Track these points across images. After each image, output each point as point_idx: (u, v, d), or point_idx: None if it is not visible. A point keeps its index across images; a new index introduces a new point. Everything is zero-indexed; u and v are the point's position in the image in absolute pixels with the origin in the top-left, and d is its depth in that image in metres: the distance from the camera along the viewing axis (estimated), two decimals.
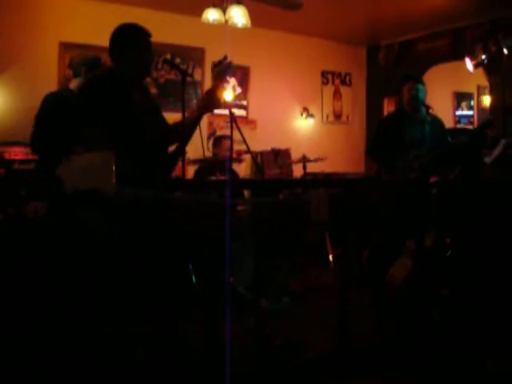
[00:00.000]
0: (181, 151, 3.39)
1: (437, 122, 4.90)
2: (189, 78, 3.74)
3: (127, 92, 3.21)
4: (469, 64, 6.70)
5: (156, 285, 2.95)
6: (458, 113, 10.57)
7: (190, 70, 7.30)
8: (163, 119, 3.49)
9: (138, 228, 2.88)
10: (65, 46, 6.90)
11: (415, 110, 4.83)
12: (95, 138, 3.00)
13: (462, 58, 7.03)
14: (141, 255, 2.87)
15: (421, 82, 4.93)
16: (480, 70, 7.32)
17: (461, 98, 10.55)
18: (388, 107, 9.08)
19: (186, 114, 3.42)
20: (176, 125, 3.42)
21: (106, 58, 6.53)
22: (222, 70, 3.66)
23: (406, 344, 3.59)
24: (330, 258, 5.59)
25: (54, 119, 4.20)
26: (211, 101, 3.42)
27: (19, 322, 3.62)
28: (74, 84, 4.51)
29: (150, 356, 2.93)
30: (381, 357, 3.39)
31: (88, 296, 3.05)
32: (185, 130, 3.33)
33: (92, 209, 2.83)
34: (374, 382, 3.18)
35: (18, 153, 5.77)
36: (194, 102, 3.86)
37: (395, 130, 4.83)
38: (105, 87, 3.16)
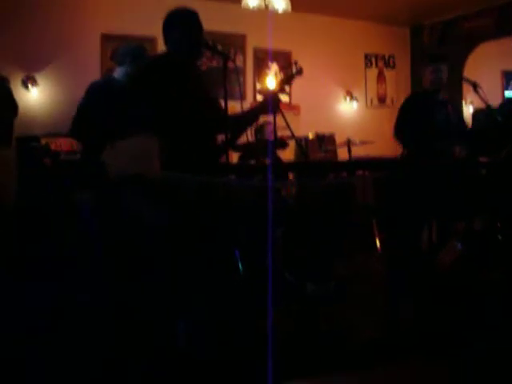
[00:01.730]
0: (230, 143, 3.39)
1: (453, 104, 4.85)
2: (231, 64, 3.71)
3: (180, 75, 3.27)
4: None
5: (203, 270, 2.94)
6: (507, 94, 10.28)
7: (232, 56, 7.29)
8: (216, 104, 3.49)
9: (182, 213, 2.87)
10: (107, 38, 6.96)
11: (437, 92, 4.84)
12: (146, 122, 3.01)
13: (509, 35, 6.85)
14: (186, 240, 2.86)
15: (442, 63, 4.92)
16: None
17: (510, 76, 10.26)
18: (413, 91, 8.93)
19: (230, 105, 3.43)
20: (231, 116, 3.42)
21: (149, 48, 6.59)
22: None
23: (456, 329, 3.51)
24: (377, 243, 5.51)
25: (98, 106, 4.23)
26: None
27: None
28: (118, 73, 4.52)
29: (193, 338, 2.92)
30: (427, 342, 3.32)
31: (137, 279, 3.06)
32: (237, 124, 3.35)
33: (137, 193, 2.83)
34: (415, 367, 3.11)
35: (63, 144, 5.84)
36: (237, 89, 3.86)
37: (421, 111, 4.82)
38: (158, 71, 3.23)
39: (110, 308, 3.31)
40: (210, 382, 2.70)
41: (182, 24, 3.41)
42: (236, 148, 4.94)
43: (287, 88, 8.27)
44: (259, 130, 6.30)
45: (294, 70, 3.73)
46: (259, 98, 8.03)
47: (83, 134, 4.42)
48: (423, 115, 4.80)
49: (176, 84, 3.17)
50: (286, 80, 3.67)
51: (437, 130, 4.74)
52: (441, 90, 4.85)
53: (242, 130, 3.43)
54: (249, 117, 3.43)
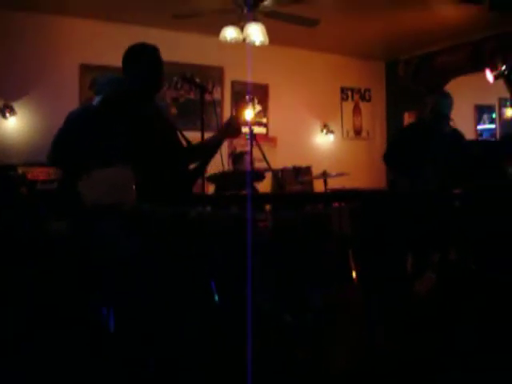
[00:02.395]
0: (200, 170, 3.43)
1: (457, 135, 4.85)
2: (208, 97, 3.77)
3: (140, 107, 3.34)
4: (489, 75, 6.64)
5: (178, 300, 2.94)
6: (480, 127, 10.45)
7: (209, 88, 7.35)
8: (177, 137, 3.52)
9: (156, 243, 2.88)
10: (85, 68, 7.00)
11: (438, 124, 4.80)
12: (113, 153, 3.04)
13: (482, 70, 6.98)
14: (160, 271, 2.86)
15: (446, 95, 4.94)
16: (501, 81, 7.26)
17: (482, 110, 10.45)
18: (409, 122, 9.03)
19: (206, 136, 3.49)
20: (196, 145, 3.47)
21: None
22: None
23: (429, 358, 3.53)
24: (353, 274, 5.53)
25: (76, 133, 4.24)
26: (233, 127, 3.49)
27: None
28: (96, 101, 4.55)
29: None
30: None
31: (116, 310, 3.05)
32: (204, 152, 3.40)
33: (111, 224, 2.83)
34: None
35: (40, 173, 5.82)
36: (214, 120, 3.91)
37: (417, 141, 4.80)
38: (120, 103, 3.34)
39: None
40: None
41: (142, 60, 3.47)
42: (211, 179, 4.95)
43: (264, 120, 8.35)
44: (236, 161, 6.35)
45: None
46: None
47: (61, 161, 4.41)
48: (417, 145, 4.77)
49: (137, 121, 3.23)
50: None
51: (427, 161, 4.70)
52: (441, 121, 4.79)
53: (208, 156, 3.47)
54: (212, 142, 3.48)
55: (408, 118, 8.96)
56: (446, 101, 4.85)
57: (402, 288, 4.59)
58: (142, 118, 3.24)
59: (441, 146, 4.75)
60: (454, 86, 8.47)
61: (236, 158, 6.32)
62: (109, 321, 3.02)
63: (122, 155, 2.95)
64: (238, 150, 7.54)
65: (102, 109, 3.36)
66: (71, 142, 4.19)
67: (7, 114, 6.54)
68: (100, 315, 3.14)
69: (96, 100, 4.55)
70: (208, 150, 3.46)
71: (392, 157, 5.01)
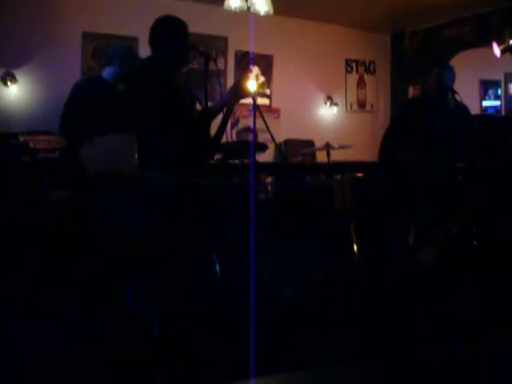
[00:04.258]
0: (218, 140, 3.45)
1: (462, 108, 4.80)
2: (212, 66, 3.74)
3: (170, 79, 3.41)
4: (496, 49, 6.58)
5: (180, 268, 2.94)
6: (485, 103, 10.36)
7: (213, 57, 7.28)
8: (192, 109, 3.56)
9: (159, 210, 2.87)
10: (88, 36, 6.92)
11: (441, 97, 4.76)
12: (130, 122, 3.04)
13: (488, 44, 6.91)
14: (163, 237, 2.85)
15: (448, 67, 4.88)
16: (507, 56, 7.19)
17: (487, 85, 10.35)
18: (413, 95, 8.97)
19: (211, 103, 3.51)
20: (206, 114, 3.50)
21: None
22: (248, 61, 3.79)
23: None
24: (355, 247, 5.53)
25: (86, 103, 4.21)
26: (239, 91, 3.51)
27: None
28: (106, 72, 4.52)
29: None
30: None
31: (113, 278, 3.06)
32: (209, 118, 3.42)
33: (113, 189, 2.82)
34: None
35: (42, 142, 5.79)
36: (218, 90, 3.89)
37: (419, 115, 4.75)
38: (151, 76, 3.33)
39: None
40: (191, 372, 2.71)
41: (171, 32, 3.51)
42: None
43: (268, 91, 8.29)
44: (240, 133, 6.33)
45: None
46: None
47: (70, 131, 4.40)
48: (419, 119, 4.72)
49: (163, 91, 3.25)
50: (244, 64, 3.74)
51: (430, 136, 4.64)
52: (445, 94, 4.74)
53: (223, 126, 3.49)
54: (219, 110, 3.50)
55: (413, 92, 8.89)
56: (449, 73, 4.80)
57: (404, 261, 4.59)
58: (171, 92, 3.29)
59: (445, 118, 4.70)
60: (459, 60, 8.38)
61: (239, 133, 6.30)
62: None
63: (130, 125, 2.94)
64: (242, 121, 7.50)
65: (130, 88, 3.35)
66: (80, 115, 4.18)
67: (8, 82, 6.49)
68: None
69: (106, 71, 4.52)
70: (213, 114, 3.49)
71: (394, 136, 4.92)
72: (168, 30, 3.51)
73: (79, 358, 2.96)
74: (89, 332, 3.20)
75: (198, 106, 3.71)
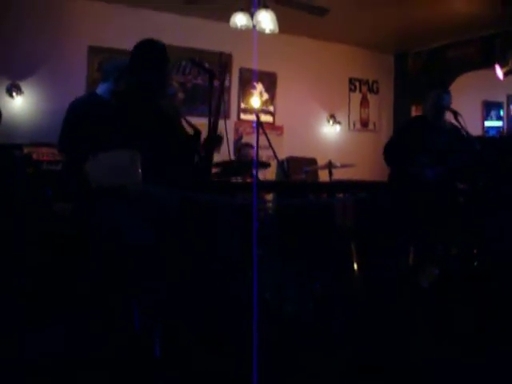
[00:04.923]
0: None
1: (457, 129, 4.86)
2: (216, 83, 3.77)
3: (157, 102, 3.40)
4: (499, 72, 6.64)
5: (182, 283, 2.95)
6: (487, 124, 10.41)
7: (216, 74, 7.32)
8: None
9: (163, 226, 2.88)
10: (94, 50, 6.98)
11: (439, 118, 4.87)
12: (128, 140, 3.07)
13: (491, 66, 6.96)
14: (166, 253, 2.86)
15: (447, 90, 4.98)
16: (510, 78, 7.24)
17: (490, 107, 10.40)
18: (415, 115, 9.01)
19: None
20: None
21: None
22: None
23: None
24: (355, 266, 5.53)
25: (82, 124, 4.22)
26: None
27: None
28: (100, 89, 4.52)
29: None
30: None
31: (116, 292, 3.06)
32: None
33: (118, 205, 2.83)
34: None
35: (45, 154, 5.83)
36: (221, 107, 3.92)
37: (418, 135, 4.83)
38: (139, 99, 3.34)
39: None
40: None
41: (151, 57, 3.48)
42: (217, 166, 4.92)
43: (271, 108, 8.33)
44: (240, 149, 6.35)
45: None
46: (243, 117, 8.08)
47: (70, 149, 4.41)
48: (418, 139, 4.82)
49: (150, 110, 3.29)
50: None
51: (429, 155, 4.76)
52: (442, 116, 4.89)
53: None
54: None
55: (416, 111, 8.93)
56: (448, 96, 4.90)
57: (404, 280, 4.60)
58: (158, 112, 3.31)
59: (445, 139, 4.81)
60: (462, 82, 8.45)
61: (240, 148, 6.33)
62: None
63: (129, 143, 2.96)
64: (245, 138, 7.53)
65: (117, 100, 3.37)
66: (77, 133, 4.20)
67: (14, 94, 6.54)
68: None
69: (101, 87, 4.53)
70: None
71: (393, 151, 5.01)
72: (151, 56, 3.49)
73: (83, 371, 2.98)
74: (91, 346, 3.20)
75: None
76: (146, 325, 2.94)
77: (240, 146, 6.56)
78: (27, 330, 3.61)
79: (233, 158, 5.87)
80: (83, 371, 3.02)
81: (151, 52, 3.49)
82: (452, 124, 4.89)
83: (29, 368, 3.08)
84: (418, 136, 4.84)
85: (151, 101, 3.32)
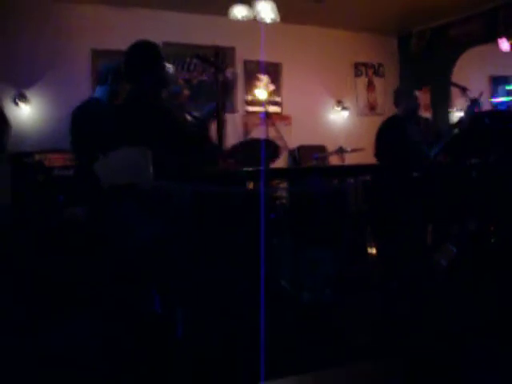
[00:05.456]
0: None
1: (428, 121, 5.59)
2: (221, 76, 3.77)
3: (160, 101, 3.45)
4: (504, 44, 6.57)
5: (199, 278, 2.96)
6: (495, 99, 10.29)
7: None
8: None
9: (177, 221, 2.89)
10: (97, 53, 7.00)
11: (415, 115, 5.41)
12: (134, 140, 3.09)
13: (496, 40, 6.90)
14: (181, 248, 2.87)
15: (415, 96, 5.46)
16: None
17: (497, 82, 10.30)
18: (423, 97, 8.94)
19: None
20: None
21: None
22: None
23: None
24: (372, 249, 5.52)
25: (87, 129, 4.23)
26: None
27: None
28: (98, 92, 4.52)
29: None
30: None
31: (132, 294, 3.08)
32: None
33: (129, 203, 2.84)
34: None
35: (57, 159, 5.85)
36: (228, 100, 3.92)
37: (399, 133, 5.21)
38: (144, 102, 3.34)
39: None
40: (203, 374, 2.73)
41: (148, 59, 3.47)
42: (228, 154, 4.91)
43: (278, 98, 8.32)
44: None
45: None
46: (250, 109, 8.07)
47: (82, 154, 4.43)
48: (400, 136, 5.18)
49: (157, 111, 3.31)
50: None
51: (413, 148, 5.09)
52: (412, 116, 5.36)
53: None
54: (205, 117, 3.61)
55: (422, 94, 8.88)
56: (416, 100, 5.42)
57: (422, 261, 4.58)
58: (166, 111, 3.35)
59: (419, 132, 5.28)
60: (467, 58, 8.38)
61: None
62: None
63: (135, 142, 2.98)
64: (253, 131, 7.51)
65: (124, 117, 3.38)
66: (84, 139, 4.22)
67: (20, 103, 6.58)
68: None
69: (98, 90, 4.53)
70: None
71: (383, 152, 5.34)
72: (148, 59, 3.48)
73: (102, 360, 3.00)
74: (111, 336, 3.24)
75: (188, 117, 3.76)
76: (167, 308, 2.97)
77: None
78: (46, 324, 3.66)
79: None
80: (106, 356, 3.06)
81: (145, 51, 3.49)
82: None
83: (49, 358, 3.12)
84: (401, 134, 5.20)
85: (153, 98, 3.32)
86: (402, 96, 5.45)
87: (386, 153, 5.30)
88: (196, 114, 3.68)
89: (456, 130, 5.05)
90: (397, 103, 5.51)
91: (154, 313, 3.00)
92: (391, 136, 5.32)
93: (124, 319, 3.10)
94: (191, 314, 2.99)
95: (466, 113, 5.10)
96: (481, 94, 4.83)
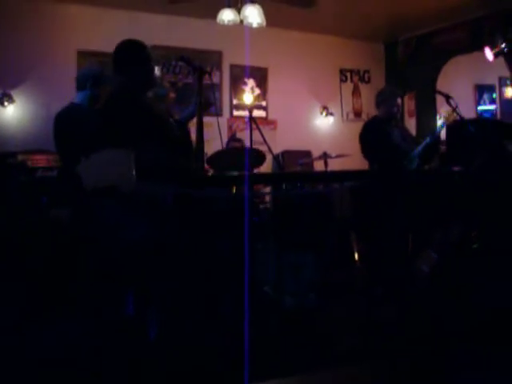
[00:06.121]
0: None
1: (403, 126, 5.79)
2: (207, 80, 3.78)
3: (144, 101, 3.45)
4: (488, 53, 6.63)
5: (179, 281, 2.95)
6: (480, 107, 10.38)
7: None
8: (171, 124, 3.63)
9: (159, 223, 2.88)
10: (82, 54, 6.97)
11: (393, 119, 5.51)
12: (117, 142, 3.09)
13: (481, 49, 6.95)
14: (163, 250, 2.87)
15: (396, 93, 5.61)
16: (501, 60, 7.22)
17: (482, 90, 10.38)
18: (408, 103, 9.01)
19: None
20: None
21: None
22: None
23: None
24: (356, 255, 5.54)
25: (69, 135, 4.23)
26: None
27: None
28: (78, 98, 4.52)
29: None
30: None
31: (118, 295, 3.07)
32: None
33: (111, 205, 2.83)
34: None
35: (40, 160, 5.83)
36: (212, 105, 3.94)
37: (382, 134, 5.33)
38: (127, 102, 3.34)
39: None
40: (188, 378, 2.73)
41: (135, 58, 3.50)
42: (211, 159, 4.89)
43: (263, 103, 8.33)
44: (229, 143, 6.35)
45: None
46: (236, 113, 8.08)
47: (63, 156, 4.42)
48: (383, 137, 5.31)
49: (140, 112, 3.31)
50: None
51: (396, 149, 5.25)
52: (393, 119, 5.51)
53: None
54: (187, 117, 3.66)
55: (408, 99, 8.94)
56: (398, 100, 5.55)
57: (405, 267, 4.60)
58: (149, 112, 3.35)
59: (399, 135, 5.44)
60: (453, 66, 8.44)
61: (227, 143, 6.32)
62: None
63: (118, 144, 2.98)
64: (238, 135, 7.51)
65: (107, 116, 3.37)
66: (67, 145, 4.21)
67: (5, 103, 6.54)
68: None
69: (78, 96, 4.52)
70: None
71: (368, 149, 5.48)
72: (132, 56, 3.50)
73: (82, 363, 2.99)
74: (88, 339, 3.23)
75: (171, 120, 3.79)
76: (139, 310, 2.98)
77: (228, 141, 6.55)
78: (28, 327, 3.64)
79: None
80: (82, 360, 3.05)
81: (132, 50, 3.51)
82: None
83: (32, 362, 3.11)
84: (383, 135, 5.32)
85: (139, 97, 3.33)
86: (385, 97, 5.50)
87: (369, 154, 5.40)
88: (176, 116, 3.69)
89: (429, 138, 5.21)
90: (378, 104, 5.57)
91: (127, 315, 3.00)
92: (373, 137, 5.41)
93: (99, 319, 3.11)
94: (173, 317, 2.99)
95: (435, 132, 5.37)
96: (456, 107, 4.91)
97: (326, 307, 4.51)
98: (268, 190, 5.25)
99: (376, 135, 5.38)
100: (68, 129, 4.28)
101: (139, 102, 3.35)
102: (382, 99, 5.51)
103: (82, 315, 3.56)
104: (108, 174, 2.45)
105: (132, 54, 3.49)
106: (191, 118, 3.66)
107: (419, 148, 5.16)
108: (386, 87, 5.82)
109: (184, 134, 3.49)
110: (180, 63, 7.39)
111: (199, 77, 3.61)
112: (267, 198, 4.91)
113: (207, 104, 3.78)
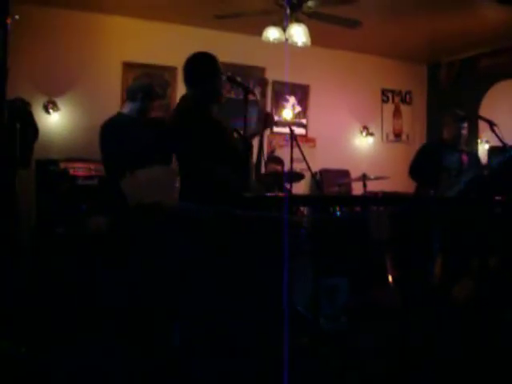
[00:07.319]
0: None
1: (472, 153, 5.51)
2: (251, 97, 3.82)
3: (209, 114, 3.51)
4: None
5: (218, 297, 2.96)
6: None
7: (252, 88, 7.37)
8: (233, 141, 3.67)
9: (201, 242, 2.90)
10: (128, 66, 7.07)
11: (458, 143, 5.33)
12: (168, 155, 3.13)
13: None
14: (204, 268, 2.88)
15: (464, 118, 5.42)
16: None
17: None
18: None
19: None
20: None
21: (169, 77, 6.77)
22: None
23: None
24: (390, 278, 5.49)
25: (116, 144, 4.28)
26: (270, 121, 3.65)
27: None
28: (127, 108, 4.57)
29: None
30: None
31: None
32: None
33: (155, 221, 2.86)
34: None
35: (81, 169, 5.91)
36: (255, 120, 3.97)
37: (436, 156, 5.20)
38: (192, 112, 3.43)
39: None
40: None
41: (206, 69, 3.58)
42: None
43: (304, 120, 8.33)
44: (267, 163, 6.35)
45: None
46: (276, 129, 8.09)
47: (108, 170, 4.48)
48: (438, 161, 5.17)
49: (206, 126, 3.36)
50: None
51: (445, 172, 5.13)
52: (460, 143, 5.34)
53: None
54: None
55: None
56: (465, 123, 5.36)
57: (441, 293, 4.55)
58: (215, 127, 3.43)
59: (457, 161, 5.28)
60: (497, 90, 8.34)
61: (266, 164, 6.34)
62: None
63: (168, 158, 3.01)
64: (278, 151, 7.51)
65: (174, 128, 3.43)
66: (114, 154, 4.27)
67: (51, 110, 6.66)
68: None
69: (128, 106, 4.58)
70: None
71: (415, 170, 5.41)
72: (204, 68, 3.58)
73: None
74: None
75: (235, 135, 3.79)
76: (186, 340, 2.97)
77: (266, 161, 6.55)
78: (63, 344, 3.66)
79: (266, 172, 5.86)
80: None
81: (206, 63, 3.59)
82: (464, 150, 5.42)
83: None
84: (437, 157, 5.19)
85: (211, 111, 3.44)
86: (450, 120, 5.41)
87: (416, 176, 5.39)
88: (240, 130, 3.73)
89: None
90: (443, 126, 5.49)
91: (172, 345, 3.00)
92: (419, 158, 5.38)
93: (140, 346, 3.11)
94: (211, 340, 2.99)
95: (496, 160, 5.16)
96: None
97: (357, 330, 4.48)
98: (305, 211, 5.24)
99: (422, 156, 5.36)
100: (115, 137, 4.33)
101: (211, 116, 3.45)
102: (447, 121, 5.43)
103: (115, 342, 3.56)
104: (151, 190, 2.48)
105: (206, 66, 3.58)
106: (256, 134, 3.72)
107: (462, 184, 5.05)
108: (453, 110, 5.73)
109: (246, 149, 3.53)
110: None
111: (245, 95, 3.65)
112: (304, 219, 4.90)
113: (271, 122, 3.82)
